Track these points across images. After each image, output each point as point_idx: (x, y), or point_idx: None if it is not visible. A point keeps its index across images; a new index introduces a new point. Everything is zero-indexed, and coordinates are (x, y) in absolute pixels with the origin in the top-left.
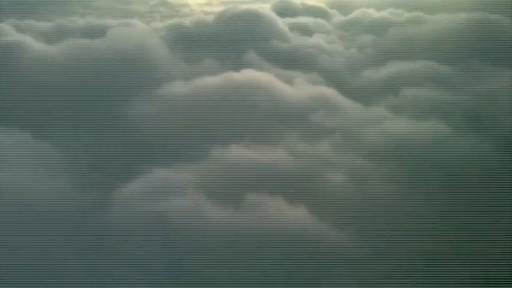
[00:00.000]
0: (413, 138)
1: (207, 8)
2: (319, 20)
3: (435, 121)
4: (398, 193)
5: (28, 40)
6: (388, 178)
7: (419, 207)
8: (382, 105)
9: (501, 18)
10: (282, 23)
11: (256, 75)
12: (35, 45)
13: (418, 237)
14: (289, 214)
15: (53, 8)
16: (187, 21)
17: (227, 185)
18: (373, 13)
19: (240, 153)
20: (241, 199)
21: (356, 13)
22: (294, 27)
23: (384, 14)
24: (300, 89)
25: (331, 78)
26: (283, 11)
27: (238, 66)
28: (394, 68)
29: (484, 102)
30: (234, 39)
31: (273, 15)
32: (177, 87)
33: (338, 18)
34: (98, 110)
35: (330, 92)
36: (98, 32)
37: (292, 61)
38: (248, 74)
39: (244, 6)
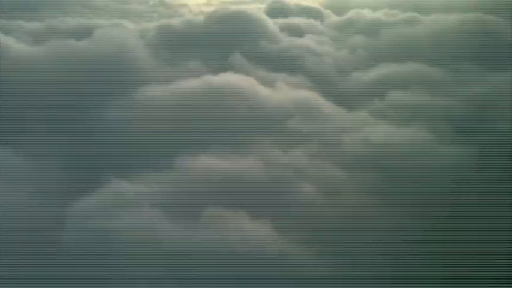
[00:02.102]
0: (393, 146)
1: (206, 8)
2: (312, 21)
3: (418, 127)
4: (374, 206)
5: (9, 41)
6: (364, 189)
7: (398, 222)
8: (365, 109)
9: (495, 19)
10: (273, 24)
11: (235, 79)
12: (16, 46)
13: (398, 256)
14: (250, 230)
15: (51, 8)
16: (177, 22)
17: (187, 198)
18: (368, 14)
19: (206, 162)
20: (199, 214)
21: (350, 14)
22: (285, 28)
23: (379, 14)
24: (280, 92)
25: (318, 80)
26: (278, 12)
27: (223, 68)
28: (383, 70)
29: (473, 106)
30: (222, 41)
31: (263, 16)
32: (152, 91)
33: (332, 19)
34: (69, 115)
35: (311, 96)
36: (87, 33)
37: (279, 63)
38: (227, 78)
39: (233, 7)
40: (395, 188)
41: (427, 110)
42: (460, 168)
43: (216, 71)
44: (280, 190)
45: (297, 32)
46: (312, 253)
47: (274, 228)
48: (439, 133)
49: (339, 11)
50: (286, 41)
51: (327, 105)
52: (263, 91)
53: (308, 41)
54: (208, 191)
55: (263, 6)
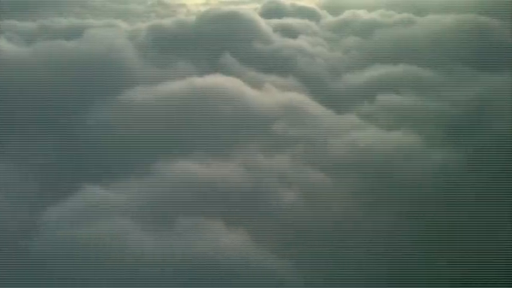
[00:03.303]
0: (379, 150)
1: (204, 8)
2: (307, 22)
3: (406, 131)
4: (358, 213)
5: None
6: (347, 195)
7: (383, 230)
8: (354, 112)
9: (490, 20)
10: (266, 25)
11: (221, 81)
12: (6, 46)
13: (382, 265)
14: (224, 239)
15: (49, 8)
16: (168, 22)
17: (163, 206)
18: (363, 14)
19: (185, 167)
20: (173, 223)
21: (346, 14)
22: (279, 29)
23: (374, 15)
24: (267, 94)
25: (309, 82)
26: (273, 12)
27: (212, 69)
28: (375, 72)
29: (465, 109)
30: (213, 41)
31: (256, 17)
32: (136, 93)
33: (328, 19)
34: (49, 117)
35: (299, 98)
36: (79, 33)
37: (270, 64)
38: (212, 80)
39: (227, 8)
40: (380, 194)
41: (417, 113)
42: (448, 173)
43: (206, 72)
44: (261, 197)
45: (290, 32)
46: (289, 264)
47: (250, 237)
48: (428, 137)
49: (335, 11)
50: (279, 41)
51: (315, 108)
52: (250, 93)
53: (301, 41)
54: (185, 198)
55: (257, 6)
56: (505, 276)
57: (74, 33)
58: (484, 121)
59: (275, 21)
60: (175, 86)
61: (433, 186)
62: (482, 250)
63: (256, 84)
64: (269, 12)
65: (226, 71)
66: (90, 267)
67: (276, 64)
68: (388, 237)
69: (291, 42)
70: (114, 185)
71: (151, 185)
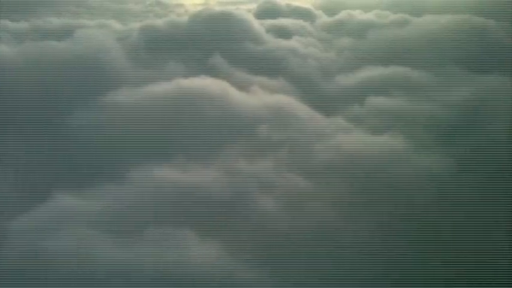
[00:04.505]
0: (364, 155)
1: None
2: (301, 22)
3: (392, 135)
4: (340, 221)
5: None
6: (330, 202)
7: (364, 240)
8: (342, 115)
9: (486, 20)
10: (260, 25)
11: (207, 83)
12: None
13: (367, 276)
14: (196, 251)
15: (47, 8)
16: (160, 22)
17: (134, 215)
18: (358, 15)
19: (163, 174)
20: (142, 233)
21: (341, 15)
22: (272, 29)
23: (370, 15)
24: (254, 97)
25: (299, 84)
26: (269, 12)
27: (202, 70)
28: (367, 73)
29: (457, 112)
30: (205, 42)
31: (250, 17)
32: (119, 95)
33: (323, 20)
34: (32, 120)
35: (287, 101)
36: (70, 34)
37: (261, 65)
38: (198, 82)
39: (218, 8)
40: (363, 201)
41: (406, 115)
42: (435, 178)
43: (195, 73)
44: (239, 205)
45: (284, 33)
46: (263, 277)
47: (223, 249)
48: (415, 141)
49: (331, 11)
50: (271, 42)
51: (302, 110)
52: (235, 95)
53: (294, 42)
54: (159, 206)
55: (252, 6)
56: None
57: (66, 33)
58: (475, 124)
59: (269, 21)
60: (159, 88)
61: (418, 192)
62: (468, 259)
63: (244, 86)
64: (264, 13)
65: (215, 72)
66: (52, 280)
67: (267, 65)
68: (372, 247)
69: (283, 43)
70: (87, 192)
71: (126, 193)
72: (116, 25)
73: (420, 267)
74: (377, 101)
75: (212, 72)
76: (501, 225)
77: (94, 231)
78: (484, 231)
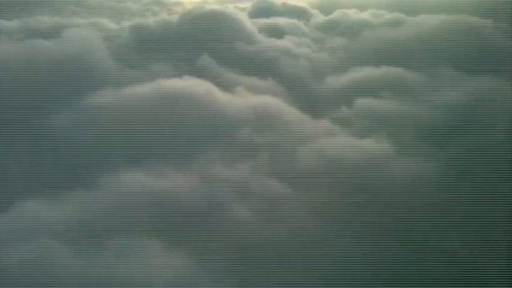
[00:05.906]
0: (347, 159)
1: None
2: (295, 21)
3: (378, 138)
4: (321, 230)
5: None
6: (311, 209)
7: (344, 251)
8: (329, 117)
9: (481, 20)
10: (252, 24)
11: (191, 84)
12: None
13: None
14: (163, 261)
15: (46, 7)
16: (150, 22)
17: (99, 224)
18: (353, 14)
19: (136, 179)
20: (105, 243)
21: (335, 14)
22: (265, 29)
23: (364, 15)
24: (239, 98)
25: (289, 84)
26: (263, 11)
27: (189, 70)
28: (358, 74)
29: (447, 114)
30: (194, 41)
31: (242, 16)
32: (99, 97)
33: (318, 19)
34: (11, 120)
35: (273, 102)
36: (60, 33)
37: (251, 65)
38: (182, 82)
39: (208, 7)
40: (344, 208)
41: (395, 118)
42: (423, 183)
43: (182, 73)
44: (212, 213)
45: (277, 32)
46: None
47: (192, 260)
48: (402, 144)
49: (328, 10)
50: (263, 42)
51: (288, 112)
52: (220, 97)
53: (287, 42)
54: (128, 214)
55: (247, 5)
56: None
57: (56, 32)
58: (468, 127)
59: (262, 20)
60: (140, 89)
61: (402, 196)
62: (466, 261)
63: (230, 87)
64: (258, 12)
65: (203, 72)
66: None
67: (257, 65)
68: (354, 257)
69: (275, 42)
70: (54, 199)
71: (95, 199)
72: (109, 24)
73: (412, 271)
74: (365, 103)
75: (200, 72)
76: (494, 226)
77: (54, 242)
78: (478, 233)
